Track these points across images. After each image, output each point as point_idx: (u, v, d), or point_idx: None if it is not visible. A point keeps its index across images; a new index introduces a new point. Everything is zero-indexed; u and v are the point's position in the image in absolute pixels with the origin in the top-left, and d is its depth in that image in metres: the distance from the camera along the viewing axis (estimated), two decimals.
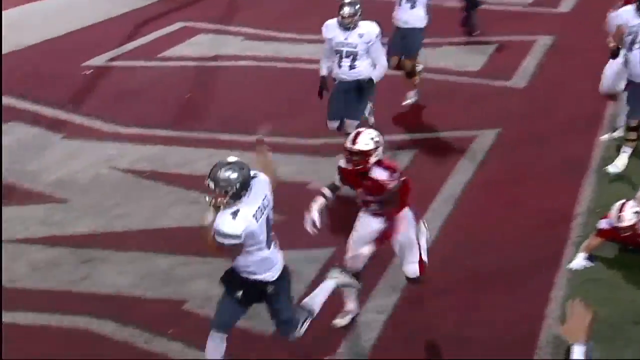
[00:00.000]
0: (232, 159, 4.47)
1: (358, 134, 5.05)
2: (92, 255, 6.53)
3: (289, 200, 5.77)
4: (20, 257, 6.53)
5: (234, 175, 4.34)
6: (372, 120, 7.68)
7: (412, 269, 5.46)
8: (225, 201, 4.36)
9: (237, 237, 4.36)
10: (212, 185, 4.36)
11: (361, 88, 7.30)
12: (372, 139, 4.99)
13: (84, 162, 8.04)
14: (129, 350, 5.44)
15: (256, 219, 4.42)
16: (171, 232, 6.83)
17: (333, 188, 5.30)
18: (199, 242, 4.74)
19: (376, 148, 5.00)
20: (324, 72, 7.47)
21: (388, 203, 5.13)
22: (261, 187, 4.55)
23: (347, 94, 7.35)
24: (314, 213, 5.11)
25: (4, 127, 8.67)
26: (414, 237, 5.40)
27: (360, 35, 7.17)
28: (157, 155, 8.18)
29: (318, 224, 5.11)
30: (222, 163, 4.43)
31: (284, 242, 4.87)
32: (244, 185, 4.39)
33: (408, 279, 5.58)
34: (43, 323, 5.72)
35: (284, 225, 5.53)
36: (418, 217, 5.51)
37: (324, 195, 5.24)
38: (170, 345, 5.46)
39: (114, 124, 8.87)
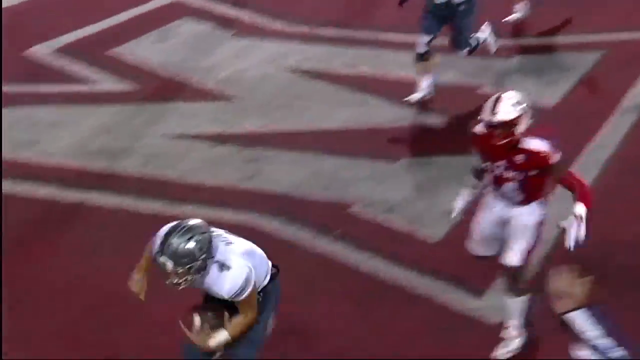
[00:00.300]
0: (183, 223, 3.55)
1: (497, 100, 4.14)
2: (258, 154, 6.60)
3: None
4: (191, 152, 6.71)
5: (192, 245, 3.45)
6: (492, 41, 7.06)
7: (512, 257, 4.42)
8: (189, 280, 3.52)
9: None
10: (169, 265, 3.43)
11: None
12: (515, 104, 4.12)
13: (252, 60, 8.03)
14: (293, 248, 5.50)
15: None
16: (337, 134, 6.77)
17: (476, 172, 4.51)
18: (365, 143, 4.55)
19: (521, 115, 4.12)
20: None
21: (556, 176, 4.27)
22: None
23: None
24: (458, 208, 4.59)
25: (172, 24, 8.81)
26: (534, 225, 4.40)
27: None
28: (324, 54, 8.05)
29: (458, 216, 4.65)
30: (173, 231, 3.49)
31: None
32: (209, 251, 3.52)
33: (504, 268, 4.56)
34: (211, 217, 5.83)
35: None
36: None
37: (469, 188, 4.57)
38: (334, 246, 5.46)
39: (283, 21, 8.76)
